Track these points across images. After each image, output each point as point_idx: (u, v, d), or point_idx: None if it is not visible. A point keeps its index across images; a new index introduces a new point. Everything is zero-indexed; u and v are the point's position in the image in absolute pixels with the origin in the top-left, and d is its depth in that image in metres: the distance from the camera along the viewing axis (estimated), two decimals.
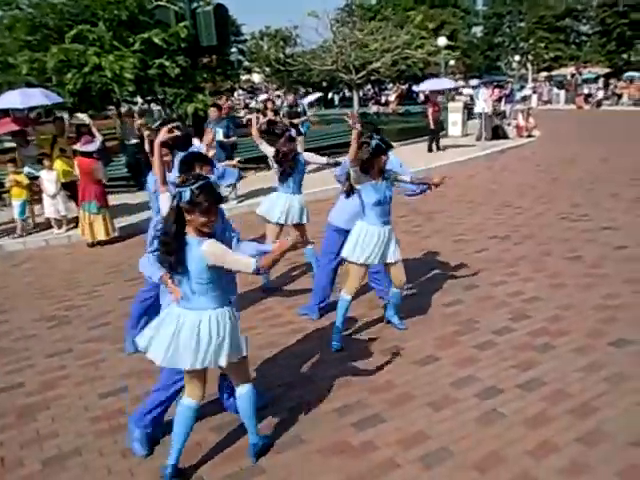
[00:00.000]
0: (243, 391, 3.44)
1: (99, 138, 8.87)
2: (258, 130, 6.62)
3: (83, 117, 8.86)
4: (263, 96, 32.87)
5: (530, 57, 58.12)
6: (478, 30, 65.90)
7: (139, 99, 17.63)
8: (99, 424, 4.04)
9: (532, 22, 58.07)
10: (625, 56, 51.34)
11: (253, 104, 32.78)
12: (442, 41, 27.31)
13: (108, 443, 3.81)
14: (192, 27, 12.41)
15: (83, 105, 12.64)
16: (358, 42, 20.83)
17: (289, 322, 5.54)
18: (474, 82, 37.93)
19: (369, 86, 38.15)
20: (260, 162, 13.35)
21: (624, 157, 14.81)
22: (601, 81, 41.31)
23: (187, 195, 2.99)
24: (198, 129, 11.21)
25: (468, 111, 21.42)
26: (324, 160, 6.17)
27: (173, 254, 3.06)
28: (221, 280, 3.20)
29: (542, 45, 57.00)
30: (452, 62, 39.30)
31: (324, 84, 33.64)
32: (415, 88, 28.06)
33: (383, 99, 33.10)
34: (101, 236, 8.85)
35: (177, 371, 3.42)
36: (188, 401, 3.34)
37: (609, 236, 7.85)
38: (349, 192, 4.84)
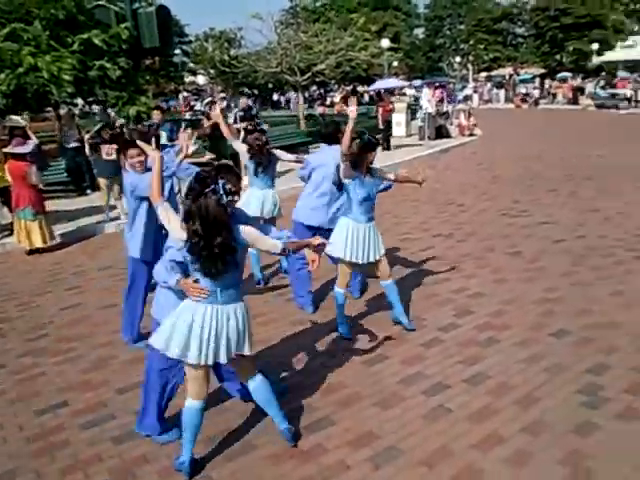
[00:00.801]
0: (256, 383, 3.53)
1: (34, 140, 8.51)
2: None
3: (17, 119, 8.51)
4: (209, 99, 32.51)
5: (470, 58, 59.56)
6: (420, 32, 67.23)
7: (80, 101, 17.14)
8: (35, 443, 3.82)
9: (471, 25, 59.61)
10: (558, 57, 53.28)
11: (198, 106, 32.38)
12: (385, 43, 27.68)
13: (45, 462, 3.61)
14: (133, 28, 12.14)
15: (19, 107, 12.17)
16: (302, 44, 20.86)
17: None
18: (417, 83, 38.54)
19: (315, 87, 38.32)
20: (204, 165, 13.18)
21: (559, 154, 15.36)
22: (537, 81, 42.77)
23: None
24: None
25: (412, 111, 21.76)
26: (292, 157, 6.25)
27: (230, 248, 3.14)
28: None
29: (481, 47, 58.53)
30: (395, 63, 39.88)
31: (270, 86, 33.53)
32: (368, 88, 28.28)
33: (328, 100, 33.25)
34: (38, 243, 8.51)
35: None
36: (196, 403, 3.37)
37: (547, 230, 8.11)
38: (339, 187, 4.94)
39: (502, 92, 41.35)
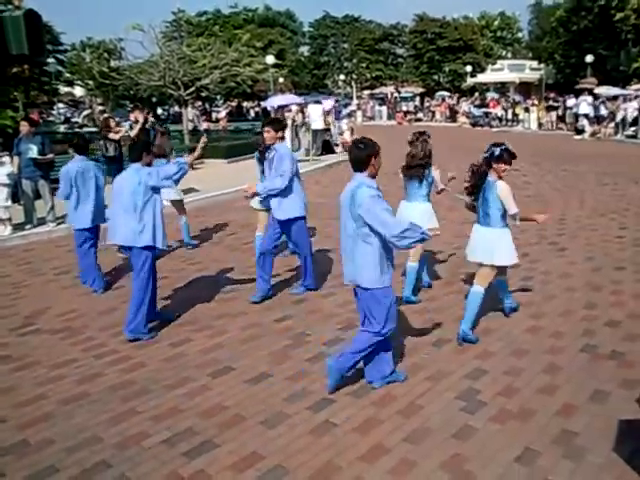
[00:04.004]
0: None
1: None
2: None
3: None
4: (86, 112, 31.06)
5: (354, 76, 61.48)
6: (305, 50, 68.35)
7: None
8: None
9: (354, 44, 61.57)
10: (436, 77, 56.34)
11: (76, 118, 30.88)
12: (270, 59, 27.89)
13: None
14: None
15: None
16: (186, 58, 20.53)
17: (113, 351, 5.15)
18: (300, 99, 39.16)
19: (200, 103, 37.74)
20: None
21: (439, 168, 16.07)
22: (417, 99, 44.87)
23: (497, 152, 4.93)
24: (6, 145, 10.18)
25: (296, 127, 21.96)
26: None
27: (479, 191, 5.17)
28: None
29: (364, 65, 60.61)
30: (281, 80, 40.22)
31: (153, 99, 32.62)
32: (264, 103, 28.04)
33: (214, 116, 32.91)
34: None
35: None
36: (481, 288, 5.05)
37: (428, 243, 8.37)
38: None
39: (384, 109, 42.94)
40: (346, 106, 36.10)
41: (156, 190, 5.38)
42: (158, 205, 5.41)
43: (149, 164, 5.54)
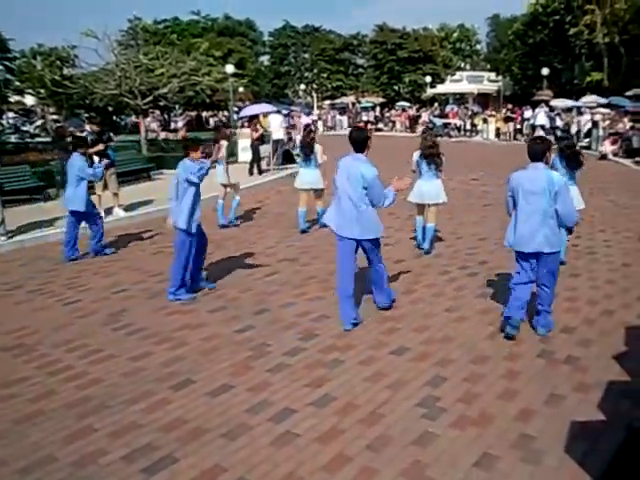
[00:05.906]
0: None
1: None
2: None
3: None
4: (39, 121, 30.35)
5: (315, 86, 61.76)
6: (265, 59, 68.37)
7: None
8: None
9: (315, 54, 61.88)
10: (396, 88, 57.01)
11: (26, 128, 30.14)
12: (230, 68, 27.74)
13: None
14: None
15: None
16: (143, 66, 20.28)
17: (68, 367, 5.03)
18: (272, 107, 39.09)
19: (158, 112, 37.26)
20: (33, 193, 12.21)
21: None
22: (378, 109, 45.34)
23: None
24: None
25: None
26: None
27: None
28: None
29: (325, 75, 60.96)
30: (241, 89, 40.12)
31: (109, 109, 32.05)
32: (239, 114, 27.75)
33: (172, 125, 32.56)
34: None
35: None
36: None
37: (388, 252, 8.45)
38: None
39: (345, 119, 43.20)
40: (308, 115, 35.99)
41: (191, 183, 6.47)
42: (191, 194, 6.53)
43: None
